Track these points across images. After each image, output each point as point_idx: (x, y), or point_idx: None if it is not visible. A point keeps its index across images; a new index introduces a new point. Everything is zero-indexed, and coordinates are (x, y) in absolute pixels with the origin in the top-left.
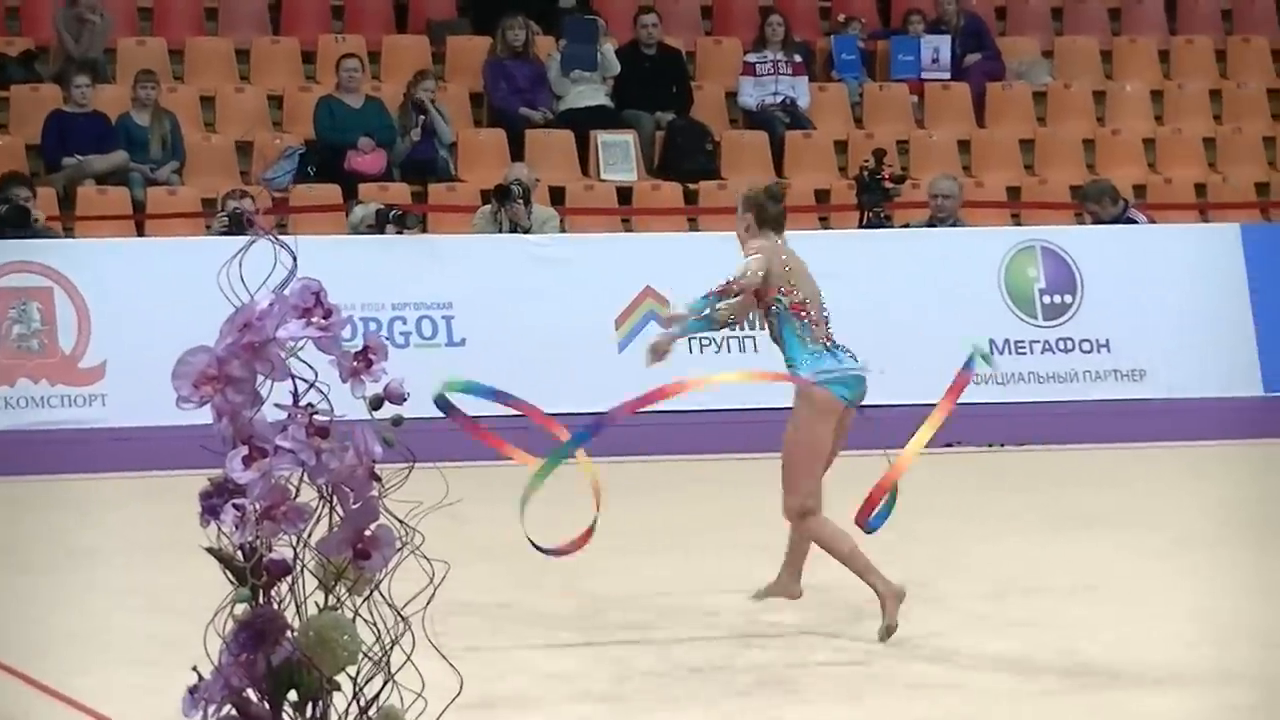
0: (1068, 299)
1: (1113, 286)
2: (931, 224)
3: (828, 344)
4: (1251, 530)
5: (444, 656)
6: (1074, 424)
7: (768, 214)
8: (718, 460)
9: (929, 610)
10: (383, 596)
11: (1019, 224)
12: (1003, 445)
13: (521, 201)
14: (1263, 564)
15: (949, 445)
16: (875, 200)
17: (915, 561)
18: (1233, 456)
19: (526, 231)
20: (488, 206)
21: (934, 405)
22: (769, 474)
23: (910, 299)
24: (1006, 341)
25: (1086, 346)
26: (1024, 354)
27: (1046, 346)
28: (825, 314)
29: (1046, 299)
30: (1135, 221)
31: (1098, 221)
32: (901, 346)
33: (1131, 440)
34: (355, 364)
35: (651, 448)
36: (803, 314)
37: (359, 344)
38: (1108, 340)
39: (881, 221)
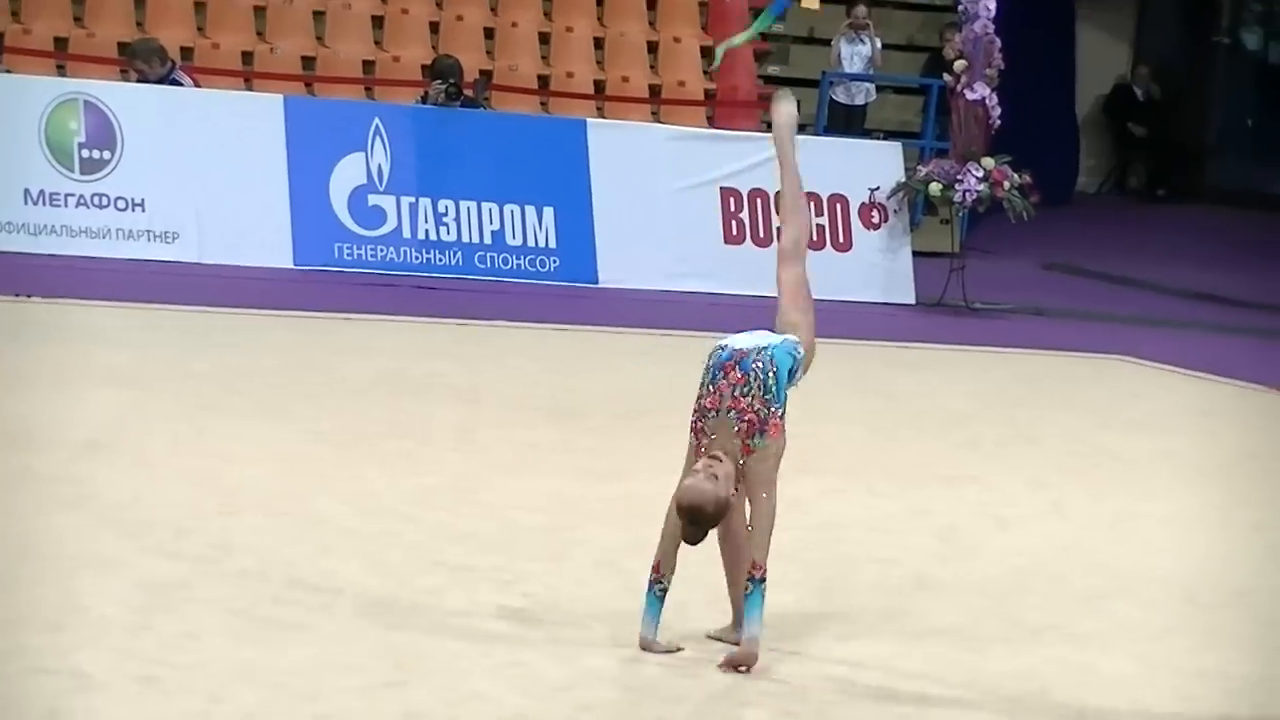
0: (107, 155)
1: (153, 146)
2: None
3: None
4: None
5: None
6: (103, 280)
7: None
8: None
9: None
10: None
11: (64, 75)
12: (30, 296)
13: None
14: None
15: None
16: None
17: None
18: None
19: None
20: None
21: None
22: None
23: None
24: (42, 193)
25: (122, 204)
26: (59, 207)
27: (82, 201)
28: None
29: (86, 153)
30: (180, 83)
31: (143, 80)
32: None
33: (160, 301)
34: None
35: None
36: (696, 429)
37: None
38: (143, 200)
39: None
